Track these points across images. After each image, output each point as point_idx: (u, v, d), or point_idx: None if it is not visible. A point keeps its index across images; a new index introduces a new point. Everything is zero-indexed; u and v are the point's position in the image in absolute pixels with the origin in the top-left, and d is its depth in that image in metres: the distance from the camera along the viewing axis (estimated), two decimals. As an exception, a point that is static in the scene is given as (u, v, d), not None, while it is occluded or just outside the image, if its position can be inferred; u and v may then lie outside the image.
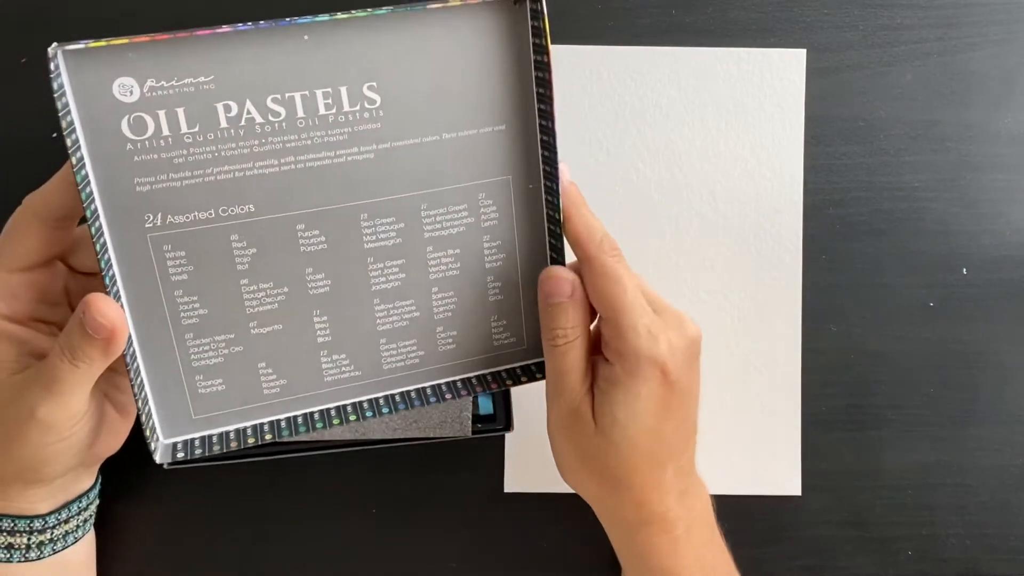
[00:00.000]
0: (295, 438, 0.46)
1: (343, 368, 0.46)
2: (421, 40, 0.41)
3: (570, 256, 0.45)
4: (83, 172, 0.38)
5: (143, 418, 0.42)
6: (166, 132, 0.39)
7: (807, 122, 0.56)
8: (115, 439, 0.46)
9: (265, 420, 0.45)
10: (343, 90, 0.41)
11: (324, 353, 0.45)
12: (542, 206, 0.45)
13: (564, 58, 0.55)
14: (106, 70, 0.38)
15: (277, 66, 0.40)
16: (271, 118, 0.41)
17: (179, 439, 0.45)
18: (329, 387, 0.46)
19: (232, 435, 0.45)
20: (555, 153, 0.43)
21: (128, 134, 0.39)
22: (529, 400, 0.51)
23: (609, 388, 0.43)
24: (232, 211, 0.41)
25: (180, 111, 0.39)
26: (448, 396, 0.47)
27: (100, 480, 0.49)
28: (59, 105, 0.37)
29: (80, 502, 0.47)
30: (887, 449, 0.57)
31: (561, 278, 0.44)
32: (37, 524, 0.45)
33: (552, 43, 0.41)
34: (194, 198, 0.41)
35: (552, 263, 0.46)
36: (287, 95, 0.40)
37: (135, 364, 0.42)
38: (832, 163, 0.56)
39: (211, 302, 0.43)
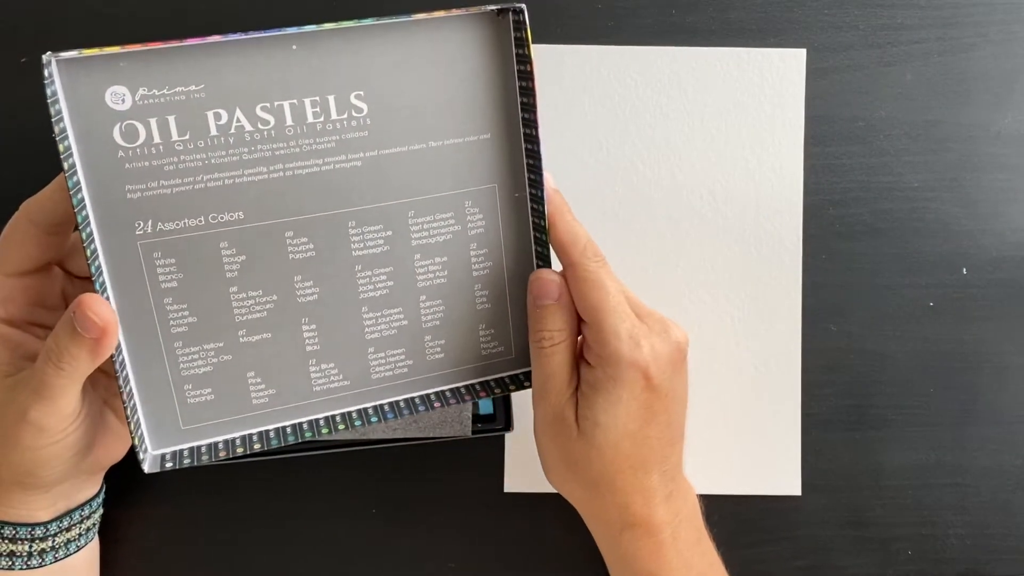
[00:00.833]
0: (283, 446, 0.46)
1: (332, 377, 0.46)
2: (407, 50, 0.42)
3: (556, 265, 0.46)
4: (75, 178, 0.39)
5: (131, 427, 0.42)
6: (157, 140, 0.40)
7: (807, 122, 0.56)
8: (118, 447, 0.46)
9: (254, 431, 0.46)
10: (331, 99, 0.41)
11: (313, 362, 0.45)
12: (528, 214, 0.46)
13: (564, 58, 0.55)
14: (99, 78, 0.39)
15: (266, 75, 0.40)
16: (260, 126, 0.41)
17: (168, 450, 0.45)
18: (318, 397, 0.46)
19: (221, 446, 0.45)
20: (540, 161, 0.44)
21: (120, 141, 0.40)
22: (529, 400, 0.51)
23: (592, 392, 0.44)
24: (222, 218, 0.42)
25: (171, 119, 0.40)
26: (436, 405, 0.47)
27: (104, 489, 0.49)
28: (52, 112, 0.37)
29: (83, 510, 0.47)
30: (887, 449, 0.57)
31: (549, 280, 0.44)
32: (38, 532, 0.45)
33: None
34: (184, 205, 0.41)
35: None
36: (276, 103, 0.41)
37: (124, 372, 0.42)
38: (832, 163, 0.56)
39: (200, 310, 0.43)
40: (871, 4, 0.56)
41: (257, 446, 0.45)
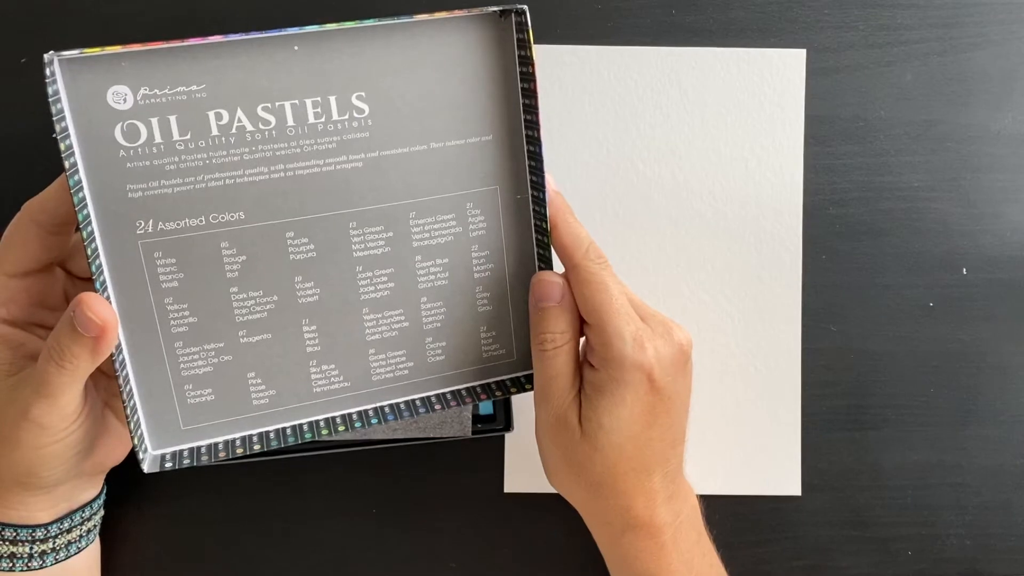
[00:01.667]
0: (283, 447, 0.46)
1: (332, 379, 0.46)
2: (408, 51, 0.42)
3: (558, 267, 0.45)
4: (76, 177, 0.39)
5: (131, 427, 0.42)
6: (158, 139, 0.40)
7: (807, 122, 0.56)
8: (119, 448, 0.46)
9: (254, 432, 0.45)
10: (332, 99, 0.41)
11: (313, 363, 0.45)
12: (530, 216, 0.46)
13: (564, 58, 0.55)
14: (101, 78, 0.39)
15: (267, 75, 0.40)
16: (261, 126, 0.41)
17: (167, 450, 0.45)
18: (318, 398, 0.46)
19: (220, 446, 0.45)
20: (542, 163, 0.44)
21: (121, 141, 0.40)
22: (529, 401, 0.51)
23: (595, 394, 0.44)
24: (222, 218, 0.42)
25: (172, 119, 0.40)
26: (437, 407, 0.47)
27: (105, 490, 0.49)
28: (54, 111, 0.37)
29: (84, 512, 0.47)
30: (887, 449, 0.57)
31: (551, 282, 0.44)
32: (39, 533, 0.45)
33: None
34: (185, 205, 0.41)
35: None
36: (277, 104, 0.41)
37: (124, 372, 0.42)
38: (832, 163, 0.56)
39: (201, 310, 0.43)
40: (871, 4, 0.56)
41: (257, 447, 0.45)
